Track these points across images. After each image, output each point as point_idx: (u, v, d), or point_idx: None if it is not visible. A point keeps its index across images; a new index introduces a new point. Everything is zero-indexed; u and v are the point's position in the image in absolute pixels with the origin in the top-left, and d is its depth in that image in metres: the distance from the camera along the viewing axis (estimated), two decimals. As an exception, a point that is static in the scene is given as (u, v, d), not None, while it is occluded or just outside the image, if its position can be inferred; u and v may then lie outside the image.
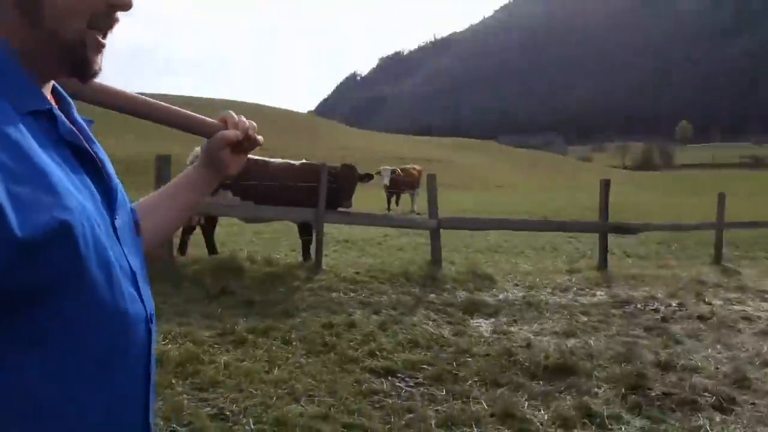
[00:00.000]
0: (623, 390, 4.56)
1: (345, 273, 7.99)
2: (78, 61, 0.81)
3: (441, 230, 9.00)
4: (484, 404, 4.17)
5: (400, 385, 4.52)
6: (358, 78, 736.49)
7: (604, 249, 9.82)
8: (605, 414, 4.08)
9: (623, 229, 10.38)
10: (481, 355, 5.22)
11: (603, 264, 9.71)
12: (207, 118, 1.19)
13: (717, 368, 5.33)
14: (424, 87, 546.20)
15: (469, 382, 4.61)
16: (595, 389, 4.58)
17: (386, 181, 20.37)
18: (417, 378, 4.67)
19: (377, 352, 5.06)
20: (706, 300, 7.94)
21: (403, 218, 12.64)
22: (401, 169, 21.86)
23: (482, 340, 5.72)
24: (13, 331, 0.69)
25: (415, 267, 8.64)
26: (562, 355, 5.14)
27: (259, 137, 1.21)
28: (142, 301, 0.87)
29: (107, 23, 0.82)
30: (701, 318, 7.00)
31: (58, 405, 0.73)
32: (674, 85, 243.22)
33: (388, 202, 21.38)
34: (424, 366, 4.86)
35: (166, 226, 1.19)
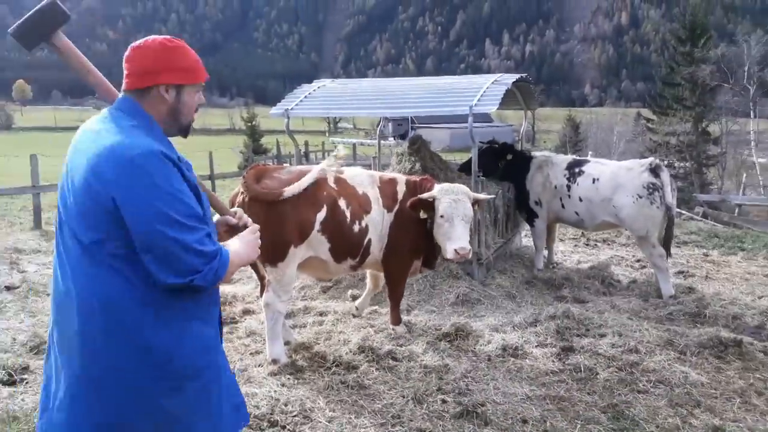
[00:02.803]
0: None
1: None
2: (186, 131, 2.22)
3: None
4: None
5: None
6: None
7: None
8: None
9: None
10: None
11: None
12: (225, 206, 2.49)
13: (14, 339, 5.08)
14: None
15: None
16: None
17: None
18: None
19: None
20: (21, 269, 7.60)
21: None
22: None
23: None
24: None
25: None
26: None
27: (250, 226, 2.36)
28: None
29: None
30: (9, 288, 6.62)
31: None
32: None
33: None
34: None
35: None
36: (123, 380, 1.97)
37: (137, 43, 2.12)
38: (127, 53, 2.12)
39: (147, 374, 1.98)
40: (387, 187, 5.32)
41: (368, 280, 5.90)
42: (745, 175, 25.02)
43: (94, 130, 2.03)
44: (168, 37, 2.16)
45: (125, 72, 2.11)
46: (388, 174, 5.60)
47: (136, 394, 1.98)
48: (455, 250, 4.88)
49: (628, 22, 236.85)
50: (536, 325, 5.64)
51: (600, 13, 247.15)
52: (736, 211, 18.78)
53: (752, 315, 6.06)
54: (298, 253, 4.73)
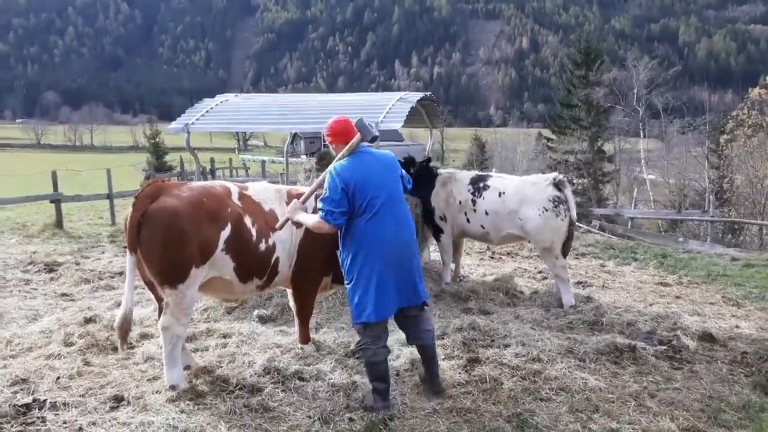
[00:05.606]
0: None
1: None
2: None
3: None
4: None
5: None
6: None
7: None
8: None
9: None
10: None
11: None
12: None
13: None
14: None
15: None
16: None
17: None
18: None
19: None
20: None
21: None
22: None
23: None
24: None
25: None
26: None
27: None
28: None
29: None
30: None
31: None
32: None
33: None
34: None
35: None
36: (415, 259, 4.47)
37: (339, 119, 4.48)
38: (341, 125, 4.44)
39: (415, 256, 4.48)
40: None
41: None
42: (636, 190, 26.63)
43: (368, 157, 4.37)
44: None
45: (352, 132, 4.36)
46: (298, 189, 5.41)
47: (416, 260, 4.50)
48: None
49: (528, 47, 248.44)
50: (444, 338, 5.69)
51: (503, 37, 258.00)
52: (630, 224, 19.95)
53: (644, 321, 6.38)
54: (200, 274, 4.46)
